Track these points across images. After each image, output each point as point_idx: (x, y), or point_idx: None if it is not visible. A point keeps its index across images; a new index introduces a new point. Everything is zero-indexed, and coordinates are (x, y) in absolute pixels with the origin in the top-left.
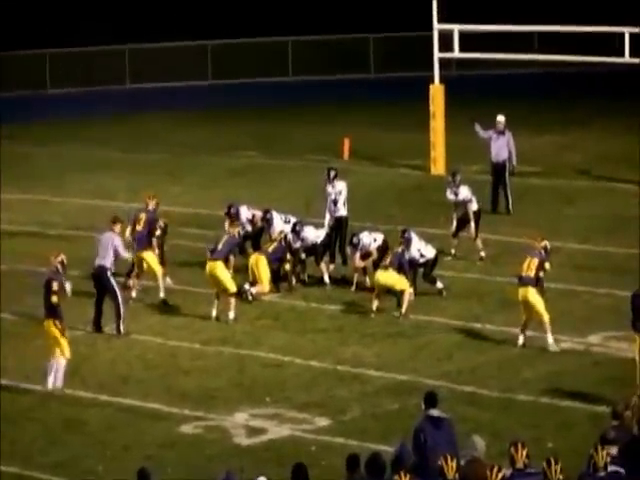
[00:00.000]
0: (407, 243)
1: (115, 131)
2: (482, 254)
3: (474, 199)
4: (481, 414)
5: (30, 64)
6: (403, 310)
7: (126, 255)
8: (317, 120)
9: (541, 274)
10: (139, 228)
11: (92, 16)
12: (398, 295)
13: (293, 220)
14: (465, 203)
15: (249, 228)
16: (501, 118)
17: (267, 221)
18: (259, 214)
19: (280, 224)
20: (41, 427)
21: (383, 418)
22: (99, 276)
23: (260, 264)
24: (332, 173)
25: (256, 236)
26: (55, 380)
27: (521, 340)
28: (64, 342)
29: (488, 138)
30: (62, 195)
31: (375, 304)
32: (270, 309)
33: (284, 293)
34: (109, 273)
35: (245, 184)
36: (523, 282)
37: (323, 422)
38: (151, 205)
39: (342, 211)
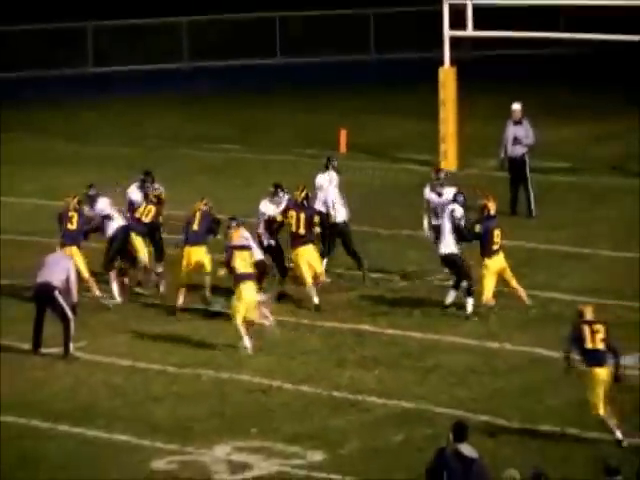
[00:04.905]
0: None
1: (71, 120)
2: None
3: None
4: (499, 448)
5: None
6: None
7: (75, 294)
8: (308, 108)
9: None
10: (71, 227)
11: None
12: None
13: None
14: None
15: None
16: (517, 106)
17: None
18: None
19: None
20: None
21: (386, 452)
22: (44, 294)
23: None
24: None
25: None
26: None
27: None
28: None
29: (504, 129)
30: (10, 195)
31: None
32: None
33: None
34: (56, 292)
35: (223, 182)
36: (597, 360)
37: (317, 456)
38: (73, 203)
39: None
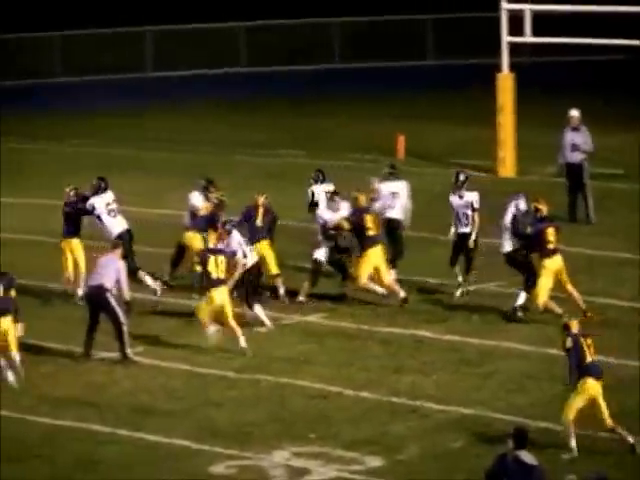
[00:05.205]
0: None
1: (131, 126)
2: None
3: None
4: (558, 454)
5: (33, 48)
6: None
7: (127, 293)
8: (365, 114)
9: None
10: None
11: None
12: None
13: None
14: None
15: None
16: (575, 112)
17: None
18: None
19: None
20: (49, 466)
21: (444, 457)
22: (96, 297)
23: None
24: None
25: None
26: None
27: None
28: None
29: (562, 136)
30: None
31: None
32: (312, 332)
33: (329, 312)
34: (108, 294)
35: (281, 188)
36: (593, 372)
37: (375, 462)
38: (72, 194)
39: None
